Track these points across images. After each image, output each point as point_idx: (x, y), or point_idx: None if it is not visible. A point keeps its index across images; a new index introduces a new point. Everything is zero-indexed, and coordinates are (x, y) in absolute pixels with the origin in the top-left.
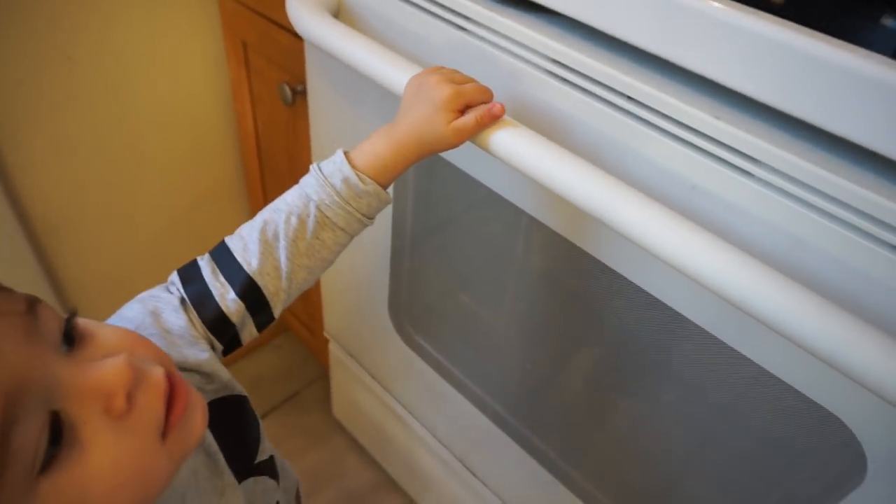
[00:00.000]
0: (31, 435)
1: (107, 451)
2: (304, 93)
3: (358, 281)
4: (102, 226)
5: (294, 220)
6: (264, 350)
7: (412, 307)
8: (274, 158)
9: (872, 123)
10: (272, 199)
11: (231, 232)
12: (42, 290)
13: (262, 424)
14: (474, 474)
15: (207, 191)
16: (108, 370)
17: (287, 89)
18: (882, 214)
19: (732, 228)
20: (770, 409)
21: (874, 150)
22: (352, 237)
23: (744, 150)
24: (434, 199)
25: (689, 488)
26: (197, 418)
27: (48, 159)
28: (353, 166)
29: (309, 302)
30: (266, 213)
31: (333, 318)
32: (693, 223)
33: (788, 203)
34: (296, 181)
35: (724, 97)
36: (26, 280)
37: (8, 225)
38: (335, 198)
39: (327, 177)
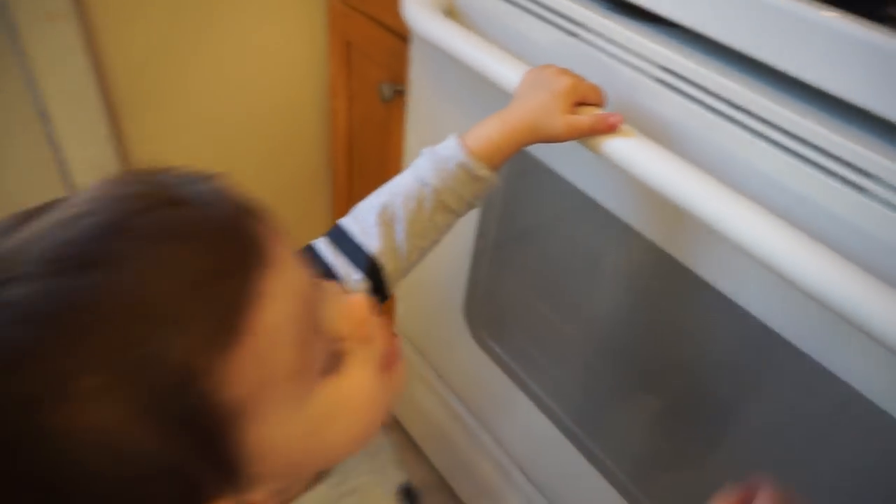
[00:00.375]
0: (321, 345)
1: (356, 373)
2: (401, 93)
3: (436, 278)
4: None
5: (412, 203)
6: None
7: (488, 310)
8: (364, 156)
9: None
10: (358, 196)
11: (310, 224)
12: None
13: None
14: (535, 486)
15: (294, 181)
16: (357, 300)
17: (387, 87)
18: None
19: (839, 242)
20: (861, 436)
21: None
22: (459, 218)
23: (856, 164)
24: (524, 203)
25: None
26: (401, 366)
27: (161, 136)
28: (468, 152)
29: None
30: (383, 197)
31: (406, 314)
32: (799, 230)
33: None
34: (384, 179)
35: (833, 108)
36: None
37: None
38: (450, 182)
39: (444, 161)
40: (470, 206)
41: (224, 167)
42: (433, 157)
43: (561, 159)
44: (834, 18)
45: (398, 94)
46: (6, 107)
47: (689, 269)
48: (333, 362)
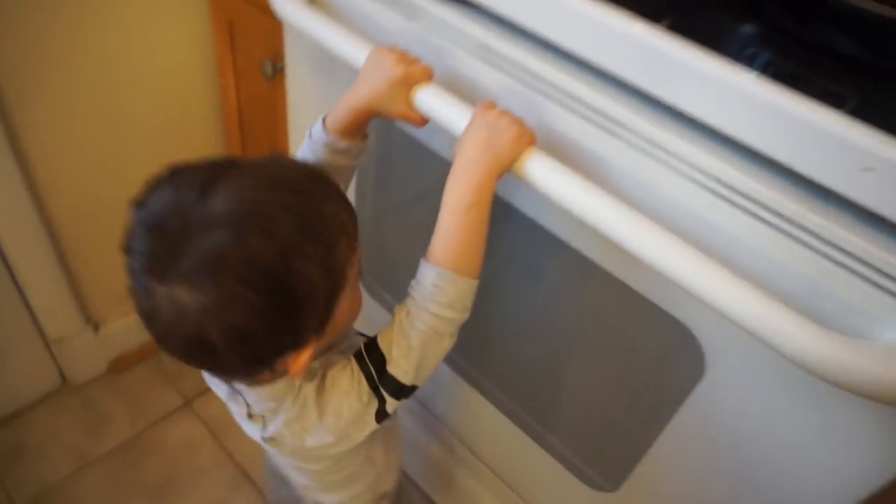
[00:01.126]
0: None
1: (354, 280)
2: (283, 70)
3: None
4: (97, 180)
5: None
6: None
7: (374, 266)
8: (254, 128)
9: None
10: None
11: None
12: (40, 239)
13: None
14: (438, 418)
15: (191, 154)
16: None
17: (268, 65)
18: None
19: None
20: (629, 320)
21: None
22: (352, 169)
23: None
24: (397, 169)
25: (563, 386)
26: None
27: (52, 122)
28: (330, 132)
29: None
30: None
31: None
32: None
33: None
34: (273, 147)
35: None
36: (24, 223)
37: (13, 179)
38: (325, 156)
39: (316, 143)
40: (351, 165)
41: (123, 149)
42: (310, 141)
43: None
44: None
45: (279, 71)
46: None
47: (513, 208)
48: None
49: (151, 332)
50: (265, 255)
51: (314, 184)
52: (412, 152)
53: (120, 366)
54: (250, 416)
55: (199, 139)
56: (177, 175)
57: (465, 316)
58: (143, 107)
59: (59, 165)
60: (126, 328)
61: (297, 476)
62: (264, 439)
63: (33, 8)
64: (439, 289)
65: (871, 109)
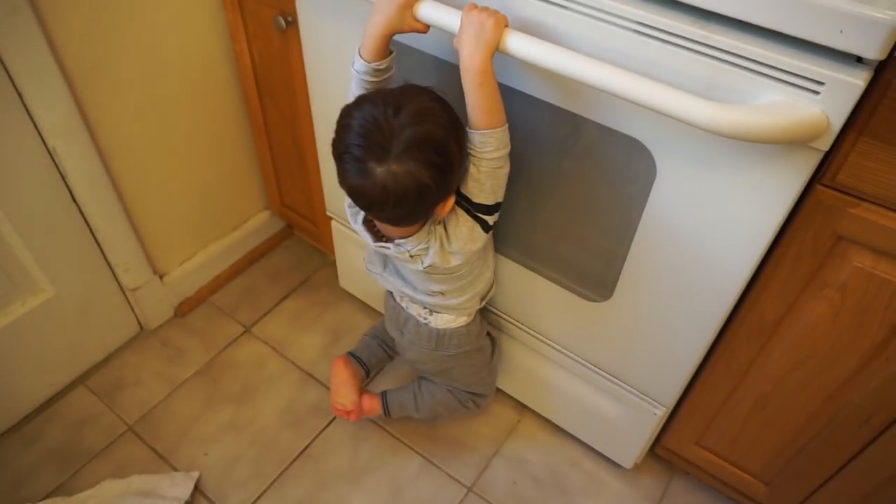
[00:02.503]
0: None
1: None
2: (294, 23)
3: None
4: (146, 144)
5: None
6: (277, 251)
7: None
8: (271, 84)
9: None
10: (272, 122)
11: (234, 152)
12: (112, 200)
13: (284, 304)
14: None
15: (216, 117)
16: None
17: (281, 20)
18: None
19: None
20: (596, 149)
21: None
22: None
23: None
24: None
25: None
26: None
27: (110, 96)
28: (368, 61)
29: (310, 196)
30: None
31: (333, 196)
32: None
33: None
34: (291, 100)
35: None
36: (99, 188)
37: (88, 150)
38: (375, 77)
39: (362, 75)
40: (391, 77)
41: (160, 114)
42: (357, 74)
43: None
44: None
45: (290, 23)
46: None
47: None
48: None
49: (365, 201)
50: (440, 134)
51: (441, 97)
52: (419, 61)
53: (184, 309)
54: (411, 256)
55: (223, 102)
56: (370, 98)
57: (509, 148)
58: (174, 79)
59: (118, 134)
60: (185, 276)
61: (439, 286)
62: (424, 268)
63: (91, 6)
64: (485, 143)
65: None
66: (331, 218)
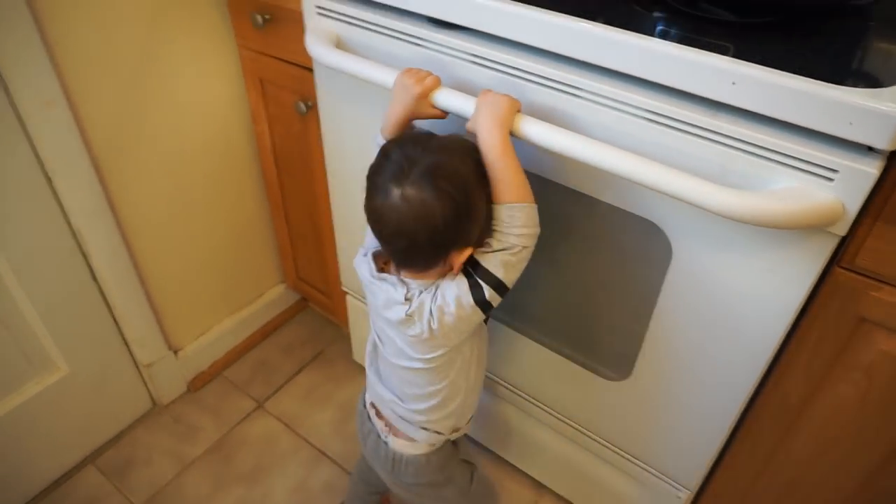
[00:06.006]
0: None
1: None
2: (314, 107)
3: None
4: (167, 221)
5: None
6: (290, 324)
7: None
8: (290, 163)
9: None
10: (290, 198)
11: (252, 226)
12: (131, 277)
13: (297, 378)
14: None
15: (236, 194)
16: None
17: (301, 105)
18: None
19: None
20: (612, 231)
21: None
22: None
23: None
24: None
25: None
26: None
27: (135, 176)
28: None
29: (325, 270)
30: None
31: (348, 271)
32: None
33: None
34: (308, 179)
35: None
36: (118, 263)
37: (110, 226)
38: None
39: None
40: None
41: (182, 191)
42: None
43: None
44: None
45: (310, 108)
46: (20, 172)
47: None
48: None
49: (380, 226)
50: (464, 170)
51: (475, 146)
52: None
53: (197, 384)
54: (406, 298)
55: (243, 180)
56: (402, 140)
57: (538, 230)
58: (197, 161)
59: (141, 213)
60: (199, 351)
61: (414, 377)
62: (407, 315)
63: (121, 93)
64: (513, 217)
65: (745, 52)
66: (346, 293)
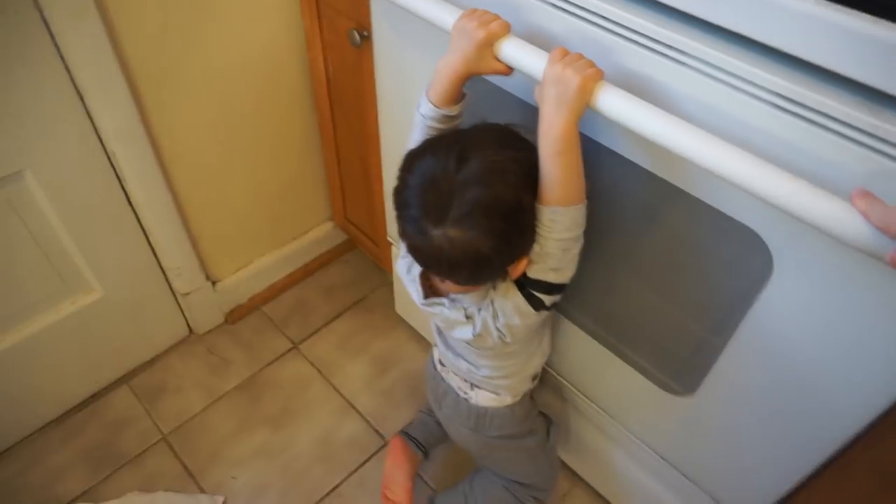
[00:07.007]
0: None
1: None
2: (369, 37)
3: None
4: (208, 150)
5: None
6: (335, 264)
7: None
8: (342, 95)
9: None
10: (341, 132)
11: (303, 158)
12: (168, 205)
13: (335, 324)
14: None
15: (286, 124)
16: None
17: (356, 34)
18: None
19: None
20: (704, 233)
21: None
22: None
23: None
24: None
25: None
26: None
27: (174, 103)
28: (436, 106)
29: (373, 215)
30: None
31: (394, 221)
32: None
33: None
34: (361, 118)
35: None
36: (156, 192)
37: (147, 154)
38: (441, 124)
39: (428, 120)
40: (458, 123)
41: (226, 116)
42: (422, 118)
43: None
44: None
45: (365, 38)
46: (51, 89)
47: (595, 143)
48: None
49: (422, 259)
50: (508, 196)
51: (521, 142)
52: (498, 100)
53: (234, 316)
54: (467, 317)
55: (293, 109)
56: (433, 146)
57: (583, 228)
58: (244, 84)
59: (181, 138)
60: (238, 283)
61: (486, 361)
62: (474, 337)
63: (163, 8)
64: (554, 222)
65: None
66: (391, 243)
